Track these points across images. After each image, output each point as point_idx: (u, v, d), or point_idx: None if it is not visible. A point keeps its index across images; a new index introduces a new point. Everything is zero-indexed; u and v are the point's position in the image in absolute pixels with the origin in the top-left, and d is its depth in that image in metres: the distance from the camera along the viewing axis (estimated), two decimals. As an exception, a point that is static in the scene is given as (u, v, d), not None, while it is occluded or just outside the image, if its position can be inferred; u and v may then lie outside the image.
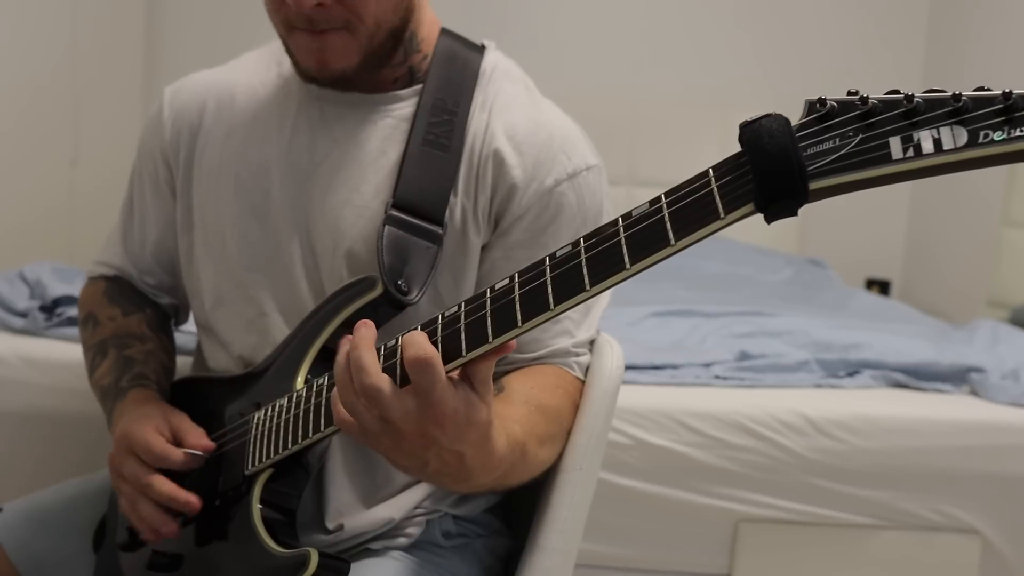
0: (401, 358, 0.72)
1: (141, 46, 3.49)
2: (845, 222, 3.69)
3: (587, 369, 1.03)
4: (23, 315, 1.82)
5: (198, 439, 0.95)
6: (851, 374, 1.93)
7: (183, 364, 1.20)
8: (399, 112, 1.02)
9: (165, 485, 0.92)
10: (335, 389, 0.75)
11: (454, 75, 1.02)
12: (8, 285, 1.92)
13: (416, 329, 0.73)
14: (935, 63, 3.65)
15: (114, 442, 0.97)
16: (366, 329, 0.74)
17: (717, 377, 1.87)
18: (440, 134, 0.99)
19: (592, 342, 1.04)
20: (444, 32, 1.05)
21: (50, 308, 1.83)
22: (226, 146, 1.06)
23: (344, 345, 0.74)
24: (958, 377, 1.91)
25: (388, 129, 1.01)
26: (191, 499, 0.91)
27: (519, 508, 1.10)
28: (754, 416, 1.74)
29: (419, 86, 1.02)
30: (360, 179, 1.00)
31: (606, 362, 1.02)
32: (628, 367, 1.70)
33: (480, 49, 1.06)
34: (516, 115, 1.01)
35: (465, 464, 0.75)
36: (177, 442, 0.95)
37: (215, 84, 1.10)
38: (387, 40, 0.97)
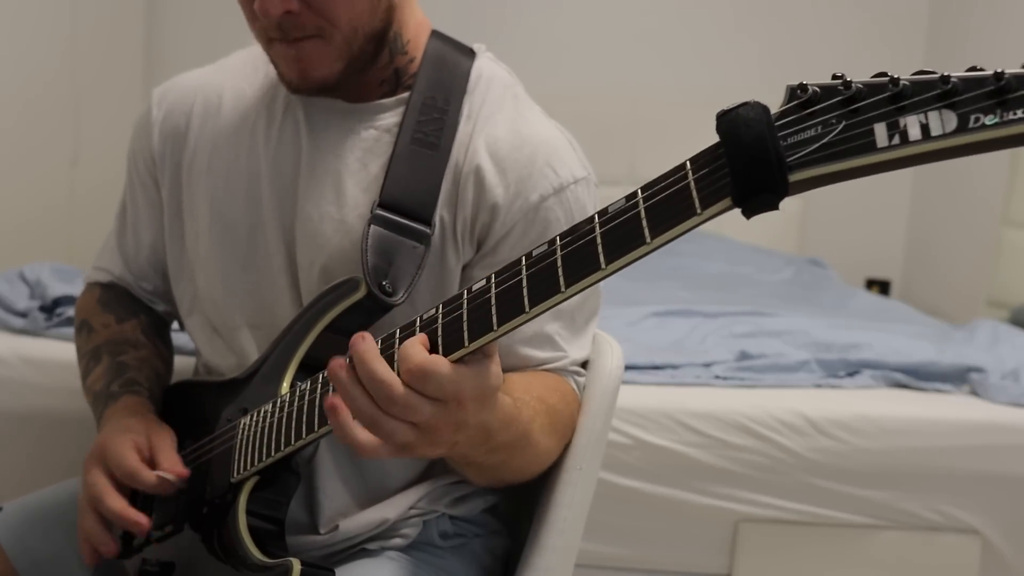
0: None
1: (141, 46, 3.49)
2: (845, 222, 3.68)
3: (583, 389, 1.02)
4: (23, 315, 1.82)
5: (173, 464, 0.92)
6: (851, 374, 1.93)
7: (185, 364, 1.20)
8: (383, 123, 0.99)
9: (116, 502, 0.91)
10: (342, 418, 0.71)
11: (444, 77, 0.99)
12: (8, 285, 1.92)
13: (411, 334, 0.72)
14: (936, 66, 3.64)
15: (92, 447, 0.95)
16: (366, 343, 0.70)
17: (717, 377, 1.87)
18: (429, 132, 0.96)
19: (586, 364, 1.03)
20: (434, 34, 1.03)
21: (50, 308, 1.83)
22: (215, 150, 1.04)
23: (338, 368, 0.70)
24: (958, 377, 1.91)
25: (370, 141, 0.99)
26: (140, 519, 0.90)
27: (519, 508, 1.10)
28: (754, 416, 1.74)
29: (405, 94, 1.00)
30: (339, 192, 0.98)
31: (606, 362, 1.02)
32: (628, 367, 1.70)
33: (471, 53, 1.04)
34: (500, 128, 0.98)
35: (491, 430, 0.77)
36: (153, 463, 0.93)
37: (203, 86, 1.08)
38: (368, 44, 0.94)
